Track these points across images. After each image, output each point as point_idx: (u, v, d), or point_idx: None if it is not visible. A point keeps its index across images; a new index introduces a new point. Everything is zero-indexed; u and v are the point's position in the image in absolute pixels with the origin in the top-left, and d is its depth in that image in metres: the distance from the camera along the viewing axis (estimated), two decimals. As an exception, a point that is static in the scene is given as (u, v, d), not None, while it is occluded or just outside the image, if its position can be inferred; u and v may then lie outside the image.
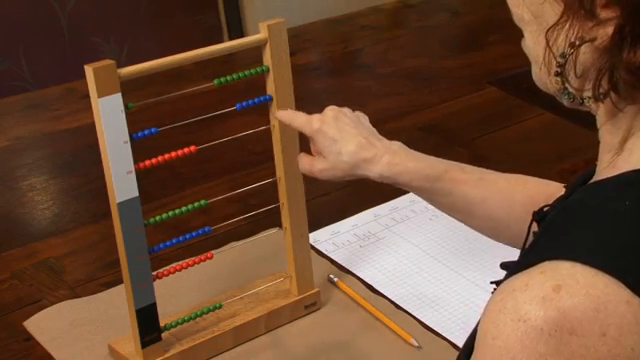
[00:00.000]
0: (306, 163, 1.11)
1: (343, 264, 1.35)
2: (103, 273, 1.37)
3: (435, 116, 1.82)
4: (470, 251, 1.35)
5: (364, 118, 1.13)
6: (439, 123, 1.79)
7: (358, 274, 1.33)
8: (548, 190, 1.04)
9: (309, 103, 1.87)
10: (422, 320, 1.23)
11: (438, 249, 1.37)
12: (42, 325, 1.26)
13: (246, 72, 1.14)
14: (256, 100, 1.15)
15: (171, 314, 1.21)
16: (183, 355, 1.16)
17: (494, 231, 1.08)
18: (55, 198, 1.62)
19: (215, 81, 1.13)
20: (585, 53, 0.67)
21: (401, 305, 1.26)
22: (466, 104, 1.86)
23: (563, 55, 0.68)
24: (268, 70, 1.14)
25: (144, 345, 1.13)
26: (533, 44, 0.72)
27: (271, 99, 1.15)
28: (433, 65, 2.07)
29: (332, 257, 1.37)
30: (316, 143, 1.10)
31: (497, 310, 0.61)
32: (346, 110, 1.12)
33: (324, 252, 1.38)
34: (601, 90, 0.66)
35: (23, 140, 1.81)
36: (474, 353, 0.64)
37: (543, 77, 0.72)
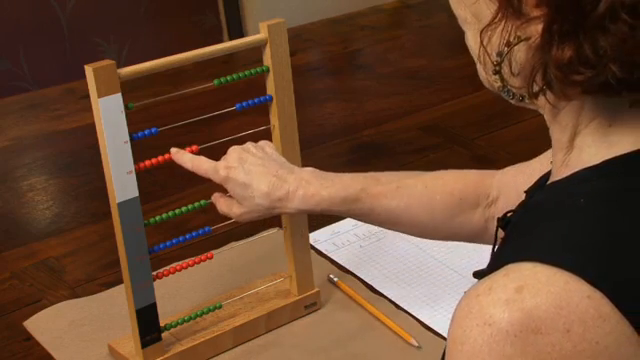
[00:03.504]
0: (224, 206, 1.12)
1: (343, 264, 1.35)
2: (103, 273, 1.37)
3: (435, 116, 1.82)
4: (470, 251, 1.35)
5: (270, 147, 1.13)
6: (439, 123, 1.79)
7: (358, 274, 1.33)
8: (465, 182, 1.07)
9: (309, 103, 1.88)
10: (422, 320, 1.23)
11: (438, 249, 1.37)
12: (42, 325, 1.26)
13: (246, 72, 1.14)
14: (256, 100, 1.15)
15: (171, 314, 1.21)
16: (183, 355, 1.16)
17: (423, 234, 1.10)
18: (55, 198, 1.62)
19: (215, 81, 1.13)
20: (520, 51, 0.68)
21: (401, 305, 1.26)
22: (466, 104, 1.87)
23: (500, 54, 0.69)
24: (268, 70, 1.14)
25: (144, 345, 1.13)
26: (474, 44, 0.72)
27: (271, 99, 1.15)
28: (433, 65, 2.07)
29: (332, 257, 1.37)
30: (229, 190, 1.10)
31: (463, 316, 0.62)
32: (249, 146, 1.12)
33: (324, 252, 1.38)
34: (536, 88, 0.67)
35: (23, 140, 1.81)
36: None
37: (485, 76, 0.73)
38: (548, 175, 0.77)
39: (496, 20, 0.67)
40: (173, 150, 1.11)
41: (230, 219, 1.24)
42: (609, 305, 0.59)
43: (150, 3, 2.93)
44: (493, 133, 1.73)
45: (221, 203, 1.13)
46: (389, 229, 1.10)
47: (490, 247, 1.02)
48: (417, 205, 1.06)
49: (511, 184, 1.06)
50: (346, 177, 1.08)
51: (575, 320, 0.59)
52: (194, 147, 1.13)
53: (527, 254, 0.62)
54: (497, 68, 0.70)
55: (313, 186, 1.07)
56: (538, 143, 1.75)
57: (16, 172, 1.70)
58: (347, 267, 1.35)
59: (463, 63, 2.02)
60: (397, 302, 1.26)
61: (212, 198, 1.14)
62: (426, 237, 1.11)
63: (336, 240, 1.41)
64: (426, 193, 1.06)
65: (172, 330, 1.17)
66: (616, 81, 0.62)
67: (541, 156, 1.05)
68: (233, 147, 1.11)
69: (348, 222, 1.45)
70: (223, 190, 1.13)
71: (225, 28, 3.05)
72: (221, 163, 1.10)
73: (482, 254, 1.34)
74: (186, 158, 1.11)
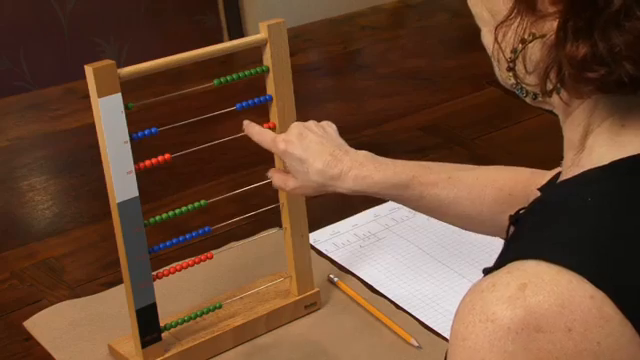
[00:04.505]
0: (280, 180, 1.14)
1: (343, 264, 1.35)
2: (103, 273, 1.37)
3: (435, 116, 1.82)
4: (470, 251, 1.35)
5: (331, 128, 1.14)
6: (439, 123, 1.79)
7: (358, 274, 1.33)
8: (516, 178, 1.07)
9: (309, 103, 1.88)
10: (422, 320, 1.23)
11: (438, 249, 1.37)
12: (42, 325, 1.26)
13: (246, 72, 1.14)
14: (256, 100, 1.15)
15: (171, 314, 1.21)
16: (183, 355, 1.16)
17: (469, 226, 1.10)
18: (55, 198, 1.62)
19: (215, 81, 1.13)
20: (535, 49, 0.68)
21: (401, 305, 1.26)
22: (466, 104, 1.87)
23: (514, 50, 0.69)
24: (268, 70, 1.14)
25: (144, 345, 1.13)
26: (491, 42, 0.72)
27: (271, 99, 1.15)
28: (433, 65, 2.07)
29: (332, 257, 1.37)
30: (285, 163, 1.11)
31: (466, 312, 0.62)
32: (311, 124, 1.12)
33: (324, 252, 1.38)
34: (549, 86, 0.67)
35: (23, 140, 1.81)
36: (447, 355, 0.65)
37: (500, 73, 0.74)
38: (560, 174, 0.77)
39: (511, 16, 0.67)
40: (245, 122, 1.14)
41: (230, 219, 1.24)
42: (612, 306, 0.59)
43: (150, 3, 2.93)
44: (493, 133, 1.73)
45: (277, 177, 1.14)
46: (436, 218, 1.10)
47: (491, 247, 1.03)
48: (466, 197, 1.06)
49: None
50: (399, 163, 1.09)
51: (577, 319, 0.59)
52: (271, 123, 1.15)
53: (532, 252, 0.62)
54: (511, 65, 0.70)
55: (366, 168, 1.07)
56: (538, 143, 1.76)
57: (16, 172, 1.70)
58: (347, 267, 1.35)
59: (463, 63, 2.03)
60: (397, 302, 1.26)
61: (268, 173, 1.16)
62: (471, 230, 1.11)
63: (336, 240, 1.41)
64: (477, 186, 1.07)
65: (172, 330, 1.17)
66: (630, 79, 0.62)
67: None
68: (295, 122, 1.13)
69: (348, 222, 1.45)
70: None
71: (225, 28, 3.05)
72: (281, 136, 1.11)
73: (483, 254, 1.34)
74: (254, 130, 1.13)
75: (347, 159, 1.08)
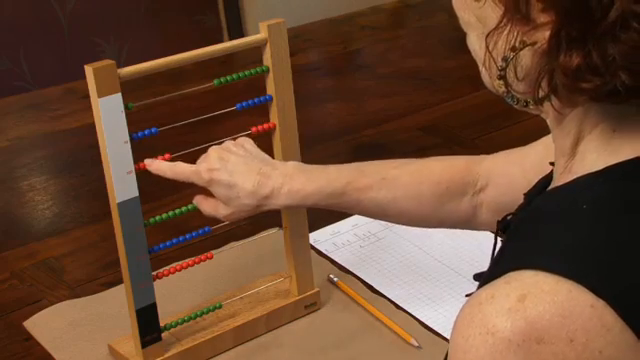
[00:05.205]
0: (210, 207, 1.11)
1: (343, 264, 1.35)
2: (103, 273, 1.37)
3: (435, 116, 1.82)
4: (470, 251, 1.35)
5: (249, 144, 1.12)
6: (439, 123, 1.79)
7: (358, 274, 1.33)
8: (452, 170, 1.07)
9: (309, 103, 1.88)
10: (422, 320, 1.23)
11: (438, 249, 1.37)
12: (42, 325, 1.26)
13: (246, 72, 1.14)
14: (256, 100, 1.15)
15: (171, 314, 1.21)
16: (183, 355, 1.16)
17: (411, 223, 1.11)
18: (55, 198, 1.62)
19: (215, 81, 1.13)
20: (525, 56, 0.67)
21: (401, 305, 1.26)
22: (466, 104, 1.87)
23: (505, 59, 0.68)
24: (268, 70, 1.14)
25: (144, 345, 1.13)
26: (479, 48, 0.72)
27: (271, 99, 1.15)
28: (433, 65, 2.07)
29: (332, 257, 1.37)
30: (213, 192, 1.09)
31: (466, 324, 0.61)
32: (229, 145, 1.11)
33: (324, 252, 1.38)
34: (541, 93, 0.66)
35: (23, 140, 1.82)
36: None
37: (489, 80, 0.73)
38: (547, 179, 0.77)
39: (502, 25, 0.66)
40: (147, 161, 1.10)
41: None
42: (612, 314, 0.59)
43: (150, 3, 2.93)
44: (493, 133, 1.73)
45: (205, 205, 1.12)
46: (378, 219, 1.11)
47: (490, 247, 1.03)
48: (404, 196, 1.06)
49: (502, 173, 1.06)
50: (331, 170, 1.08)
51: (578, 329, 0.58)
52: (167, 155, 1.12)
53: (529, 261, 0.62)
54: (502, 73, 0.69)
55: (298, 181, 1.06)
56: (538, 143, 1.74)
57: (16, 172, 1.70)
58: (347, 267, 1.35)
59: (463, 63, 2.02)
60: (397, 302, 1.26)
61: (194, 201, 1.13)
62: (414, 225, 1.11)
63: (336, 240, 1.41)
64: (412, 183, 1.07)
65: (172, 330, 1.17)
66: (625, 89, 0.61)
67: (536, 145, 1.05)
68: (212, 147, 1.10)
69: (348, 222, 1.45)
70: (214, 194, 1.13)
71: (225, 28, 3.05)
72: (203, 166, 1.09)
73: (483, 255, 1.34)
74: (164, 166, 1.10)
75: (276, 174, 1.07)
